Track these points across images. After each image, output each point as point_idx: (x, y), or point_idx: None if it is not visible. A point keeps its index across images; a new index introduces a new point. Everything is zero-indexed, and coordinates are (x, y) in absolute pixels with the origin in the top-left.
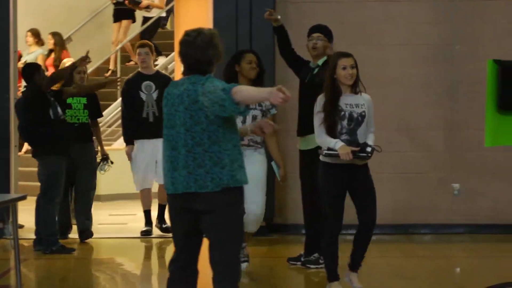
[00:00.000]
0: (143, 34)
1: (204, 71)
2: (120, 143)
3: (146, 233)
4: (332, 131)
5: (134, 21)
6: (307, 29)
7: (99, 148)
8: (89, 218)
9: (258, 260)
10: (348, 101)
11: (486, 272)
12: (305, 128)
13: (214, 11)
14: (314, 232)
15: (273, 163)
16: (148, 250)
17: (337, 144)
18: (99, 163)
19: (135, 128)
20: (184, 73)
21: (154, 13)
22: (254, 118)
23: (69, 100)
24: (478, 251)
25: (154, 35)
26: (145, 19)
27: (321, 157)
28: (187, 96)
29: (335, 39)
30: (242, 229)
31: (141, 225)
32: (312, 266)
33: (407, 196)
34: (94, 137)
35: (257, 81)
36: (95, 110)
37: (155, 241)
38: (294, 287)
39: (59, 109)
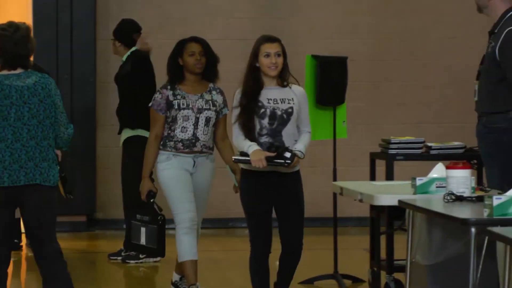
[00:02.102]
0: None
1: (25, 66)
2: None
3: None
4: (248, 131)
5: None
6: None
7: None
8: None
9: (79, 255)
10: (271, 96)
11: (305, 265)
12: (120, 122)
13: (34, 2)
14: None
15: (228, 169)
16: None
17: (251, 148)
18: None
19: None
20: (2, 68)
21: None
22: (208, 120)
23: None
24: None
25: None
26: None
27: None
28: (41, 89)
29: (157, 33)
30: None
31: None
32: (131, 262)
33: (226, 190)
34: None
35: (208, 74)
36: None
37: None
38: (114, 283)
39: None
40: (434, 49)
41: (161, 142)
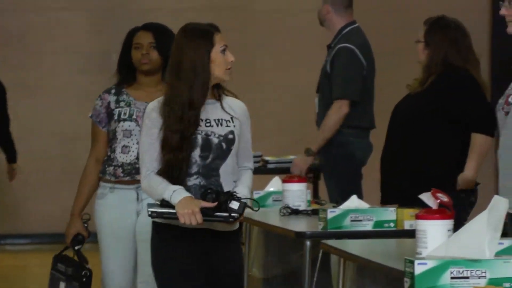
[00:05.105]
0: None
1: None
2: None
3: None
4: (173, 170)
5: None
6: None
7: None
8: None
9: None
10: (204, 115)
11: None
12: None
13: None
14: None
15: None
16: None
17: (175, 195)
18: None
19: None
20: None
21: None
22: (128, 133)
23: None
24: None
25: None
26: None
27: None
28: None
29: None
30: None
31: None
32: None
33: None
34: None
35: (157, 73)
36: None
37: None
38: None
39: None
40: (274, 62)
41: (101, 169)
